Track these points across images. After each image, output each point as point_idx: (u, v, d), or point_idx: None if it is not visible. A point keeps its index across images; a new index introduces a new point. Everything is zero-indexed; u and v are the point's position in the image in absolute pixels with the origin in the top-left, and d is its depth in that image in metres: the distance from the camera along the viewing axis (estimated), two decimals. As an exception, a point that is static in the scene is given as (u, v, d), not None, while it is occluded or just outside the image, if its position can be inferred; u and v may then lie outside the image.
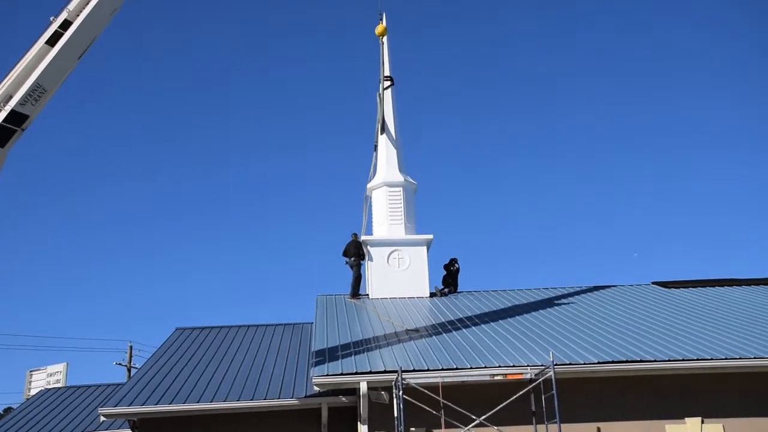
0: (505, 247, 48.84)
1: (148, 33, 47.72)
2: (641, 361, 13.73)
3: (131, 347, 37.67)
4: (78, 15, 13.20)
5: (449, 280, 20.95)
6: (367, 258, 20.40)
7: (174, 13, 48.31)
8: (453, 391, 13.52)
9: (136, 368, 34.92)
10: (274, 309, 47.72)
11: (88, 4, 13.33)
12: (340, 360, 14.24)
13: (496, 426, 13.35)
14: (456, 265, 20.84)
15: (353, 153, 48.14)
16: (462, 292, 20.93)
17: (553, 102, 49.53)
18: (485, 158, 49.05)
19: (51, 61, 12.79)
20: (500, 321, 17.26)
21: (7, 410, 38.41)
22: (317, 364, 14.13)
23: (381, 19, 22.75)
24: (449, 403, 13.27)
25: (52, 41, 12.90)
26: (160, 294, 50.17)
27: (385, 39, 22.66)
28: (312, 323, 20.31)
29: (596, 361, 13.84)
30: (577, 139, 48.90)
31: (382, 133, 21.96)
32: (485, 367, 13.51)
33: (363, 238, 20.58)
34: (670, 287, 20.85)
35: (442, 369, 13.51)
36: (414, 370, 13.44)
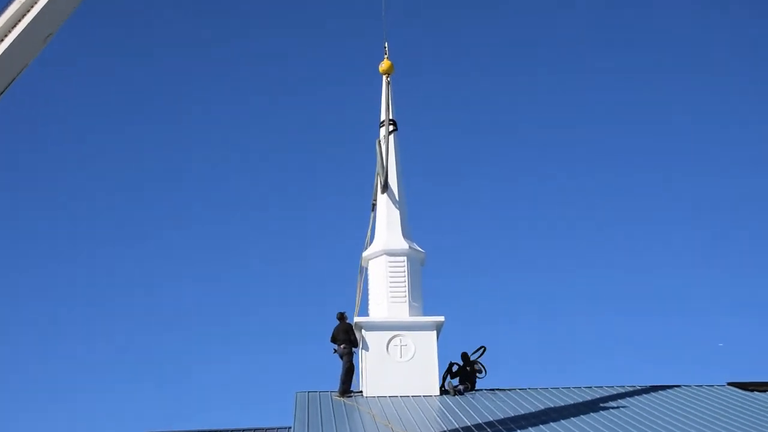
0: (539, 335, 46.84)
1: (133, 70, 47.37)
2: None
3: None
4: None
5: (467, 375, 19.94)
6: (361, 345, 19.61)
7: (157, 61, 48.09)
8: None
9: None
10: (240, 409, 45.16)
11: None
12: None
13: None
14: (479, 365, 20.09)
15: (344, 213, 46.67)
16: (481, 390, 19.96)
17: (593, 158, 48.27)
18: (513, 220, 47.48)
19: None
20: (530, 429, 16.38)
21: None
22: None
23: (385, 54, 22.30)
24: None
25: None
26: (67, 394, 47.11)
27: (388, 78, 22.18)
28: (289, 428, 19.27)
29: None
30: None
31: (383, 191, 21.17)
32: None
33: (356, 319, 19.87)
34: (751, 389, 20.12)
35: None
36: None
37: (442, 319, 19.69)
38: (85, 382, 45.60)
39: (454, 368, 19.93)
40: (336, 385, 19.11)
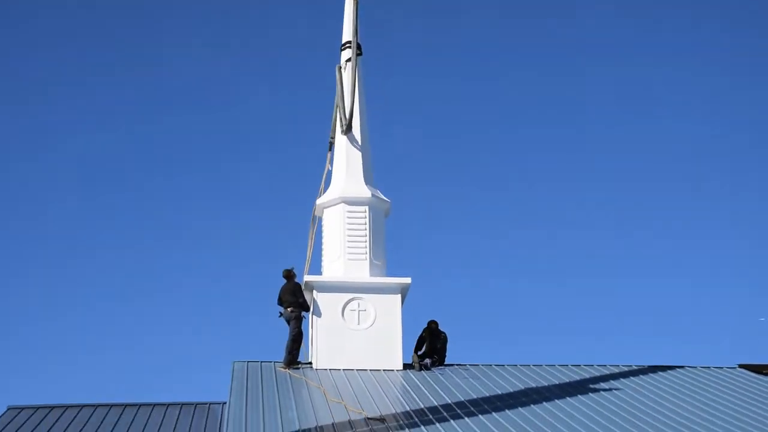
0: (519, 302, 47.67)
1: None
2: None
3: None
4: None
5: (433, 347, 20.38)
6: (311, 309, 19.94)
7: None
8: None
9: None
10: (167, 381, 45.72)
11: None
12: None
13: None
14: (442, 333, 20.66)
15: (295, 151, 46.82)
16: (451, 365, 20.53)
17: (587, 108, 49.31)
18: (495, 164, 48.23)
19: None
20: (507, 411, 16.81)
21: None
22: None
23: None
24: None
25: None
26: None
27: None
28: (224, 403, 19.81)
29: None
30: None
31: (344, 128, 21.49)
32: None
33: (306, 278, 20.23)
34: (765, 372, 20.82)
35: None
36: (378, 482, 12.86)
37: (408, 281, 20.11)
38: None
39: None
40: (280, 354, 19.52)
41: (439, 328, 20.57)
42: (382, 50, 42.95)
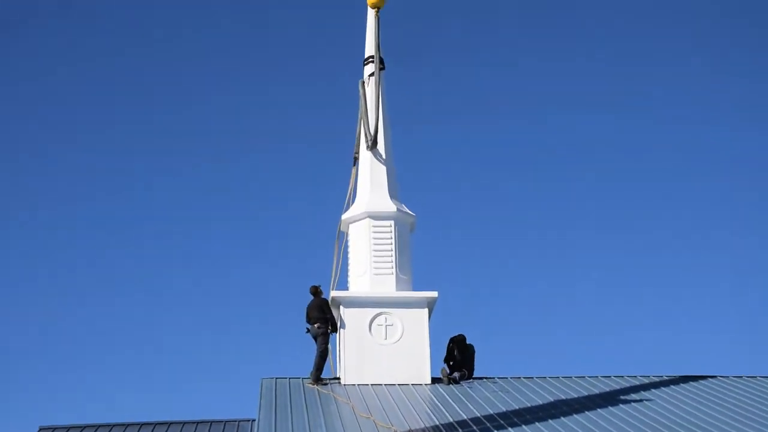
0: (548, 315, 47.56)
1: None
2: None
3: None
4: None
5: (461, 361, 20.37)
6: (339, 325, 19.91)
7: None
8: None
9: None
10: (196, 399, 46.01)
11: None
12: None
13: None
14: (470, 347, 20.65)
15: (321, 167, 47.00)
16: (480, 378, 20.47)
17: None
18: (520, 180, 48.25)
19: None
20: (537, 424, 16.79)
21: None
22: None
23: None
24: None
25: None
26: (14, 377, 48.46)
27: (378, 12, 22.33)
28: (253, 420, 19.83)
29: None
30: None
31: (368, 143, 21.55)
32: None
33: (333, 294, 20.26)
34: None
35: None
36: (408, 498, 12.76)
37: (435, 294, 20.09)
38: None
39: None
40: (308, 371, 19.50)
41: (466, 341, 20.57)
42: (406, 62, 43.14)
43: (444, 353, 20.46)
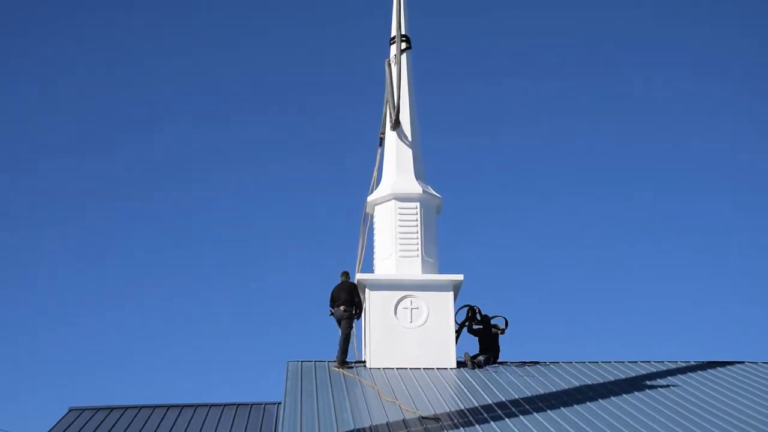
0: (575, 299, 47.50)
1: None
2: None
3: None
4: None
5: (487, 343, 20.45)
6: (364, 308, 20.06)
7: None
8: None
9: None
10: (222, 381, 46.48)
11: None
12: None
13: None
14: (497, 326, 20.70)
15: (346, 149, 47.11)
16: (506, 363, 20.56)
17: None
18: (546, 161, 48.10)
19: None
20: (563, 409, 16.84)
21: None
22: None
23: None
24: None
25: None
26: (44, 359, 49.01)
27: None
28: (279, 403, 20.03)
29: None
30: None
31: (395, 124, 21.60)
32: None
33: (358, 276, 20.36)
34: None
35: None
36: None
37: (460, 277, 20.14)
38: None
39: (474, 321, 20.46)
40: (334, 354, 19.67)
41: (491, 322, 20.64)
42: (435, 45, 43.15)
43: (468, 336, 20.54)
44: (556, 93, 48.22)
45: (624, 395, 17.84)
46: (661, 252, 46.71)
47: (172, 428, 19.31)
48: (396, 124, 21.54)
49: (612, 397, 17.65)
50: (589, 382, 18.94)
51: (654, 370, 20.25)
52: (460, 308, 20.52)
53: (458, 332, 20.21)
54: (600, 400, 17.40)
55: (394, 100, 21.54)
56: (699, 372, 20.10)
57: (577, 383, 18.85)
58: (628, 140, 47.31)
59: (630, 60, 47.66)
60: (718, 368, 20.43)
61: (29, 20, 46.74)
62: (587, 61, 48.15)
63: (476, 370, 19.59)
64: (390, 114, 21.65)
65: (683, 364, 20.73)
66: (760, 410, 17.09)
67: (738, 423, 16.17)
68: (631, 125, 47.47)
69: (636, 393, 18.07)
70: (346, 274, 20.17)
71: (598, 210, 47.70)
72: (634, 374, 19.83)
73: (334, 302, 19.90)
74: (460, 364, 19.75)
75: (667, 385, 18.75)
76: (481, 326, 20.61)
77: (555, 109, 47.98)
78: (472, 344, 20.55)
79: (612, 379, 19.34)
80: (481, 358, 20.03)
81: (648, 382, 19.06)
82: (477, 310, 20.58)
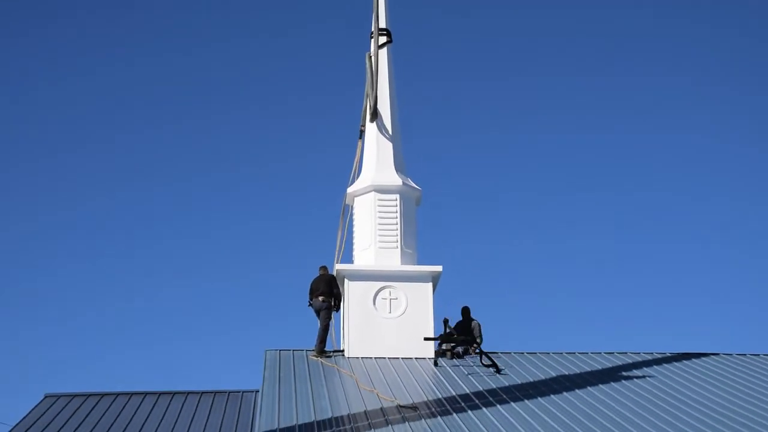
0: (552, 291, 47.80)
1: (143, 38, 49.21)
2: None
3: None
4: None
5: (465, 334, 20.36)
6: (343, 298, 20.13)
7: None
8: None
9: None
10: (200, 369, 46.46)
11: None
12: (296, 449, 13.93)
13: None
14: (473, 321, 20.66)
15: (326, 141, 47.21)
16: (485, 353, 20.13)
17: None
18: (525, 154, 48.40)
19: None
20: (540, 399, 17.01)
21: None
22: (261, 453, 13.72)
23: None
24: None
25: None
26: (20, 346, 48.89)
27: None
28: (256, 391, 20.12)
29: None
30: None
31: (372, 115, 21.66)
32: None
33: (338, 267, 20.42)
34: None
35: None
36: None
37: (439, 269, 20.22)
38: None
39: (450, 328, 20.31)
40: (312, 343, 19.71)
41: (471, 315, 20.66)
42: (416, 37, 43.25)
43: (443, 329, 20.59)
44: (539, 87, 48.61)
45: (601, 385, 18.00)
46: (640, 245, 47.11)
47: (148, 416, 19.30)
48: (374, 116, 21.60)
49: (589, 387, 17.81)
50: (566, 372, 19.08)
51: (630, 360, 20.39)
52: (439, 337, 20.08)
53: (442, 347, 20.01)
54: (577, 390, 17.56)
55: (373, 93, 21.58)
56: (674, 363, 20.24)
57: (554, 373, 18.98)
58: (609, 132, 47.78)
59: (620, 56, 48.23)
60: (693, 359, 20.59)
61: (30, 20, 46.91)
62: (574, 55, 48.58)
63: (454, 360, 19.65)
64: (369, 106, 21.69)
65: (659, 356, 20.89)
66: (733, 400, 17.29)
67: (711, 413, 16.39)
68: (611, 119, 47.93)
69: (613, 383, 18.23)
70: (324, 267, 20.28)
71: (577, 202, 48.02)
72: (611, 365, 19.97)
73: (313, 293, 19.98)
74: (438, 354, 19.76)
75: (644, 376, 18.90)
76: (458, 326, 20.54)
77: (537, 102, 48.40)
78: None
79: (589, 369, 19.48)
80: (459, 349, 20.05)
81: (625, 373, 19.19)
82: (446, 322, 20.19)
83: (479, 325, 20.47)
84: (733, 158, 47.15)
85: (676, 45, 48.34)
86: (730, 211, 46.80)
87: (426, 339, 19.63)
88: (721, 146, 47.47)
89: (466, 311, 20.74)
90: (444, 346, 19.97)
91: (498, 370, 18.81)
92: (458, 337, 19.80)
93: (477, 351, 19.68)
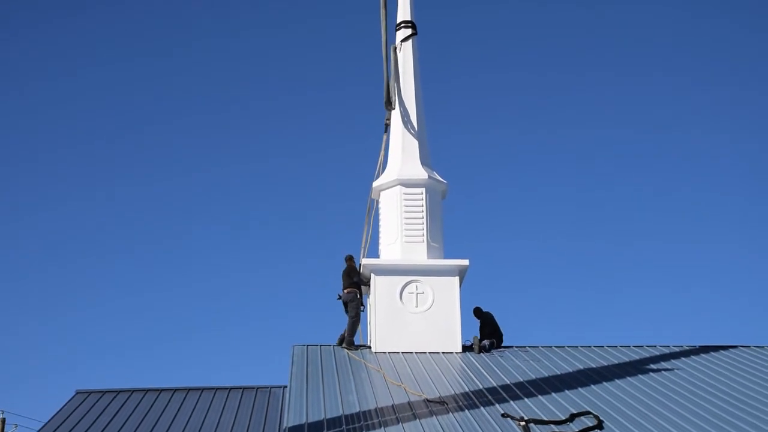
0: (578, 285, 47.85)
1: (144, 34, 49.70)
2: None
3: (3, 421, 36.55)
4: None
5: (490, 329, 20.75)
6: (370, 292, 20.22)
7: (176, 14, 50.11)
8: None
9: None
10: (228, 366, 46.95)
11: None
12: (325, 443, 13.97)
13: None
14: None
15: (351, 135, 47.44)
16: (510, 347, 20.78)
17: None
18: (552, 144, 48.33)
19: None
20: (567, 392, 17.07)
21: None
22: (290, 448, 13.56)
23: None
24: None
25: None
26: (52, 344, 49.50)
27: None
28: (284, 387, 20.28)
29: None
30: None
31: (387, 104, 21.85)
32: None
33: (364, 261, 20.52)
34: None
35: (481, 462, 13.27)
36: (437, 463, 13.16)
37: (466, 263, 20.33)
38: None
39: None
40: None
41: (482, 310, 20.89)
42: (445, 28, 43.33)
43: (473, 322, 20.75)
44: (563, 83, 48.60)
45: (629, 378, 18.07)
46: (663, 241, 47.12)
47: (177, 411, 19.57)
48: (388, 105, 21.65)
49: (617, 380, 17.88)
50: (593, 365, 19.14)
51: (656, 353, 20.39)
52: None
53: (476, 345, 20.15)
54: (603, 383, 17.65)
55: (398, 85, 21.66)
56: (697, 356, 20.25)
57: (581, 366, 19.07)
58: (633, 129, 47.72)
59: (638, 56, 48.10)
60: (712, 353, 20.55)
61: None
62: (596, 52, 48.54)
63: (481, 354, 19.78)
64: (393, 99, 21.74)
65: (677, 349, 20.86)
66: (757, 390, 17.32)
67: (736, 402, 16.44)
68: (636, 116, 47.87)
69: (638, 375, 18.30)
70: (349, 258, 20.39)
71: (604, 196, 48.04)
72: (637, 357, 20.02)
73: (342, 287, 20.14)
74: (466, 348, 19.94)
75: (668, 368, 18.92)
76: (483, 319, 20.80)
77: (562, 98, 48.39)
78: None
79: (615, 362, 19.52)
80: (485, 342, 20.20)
81: (654, 365, 19.22)
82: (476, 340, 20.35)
83: (491, 316, 20.73)
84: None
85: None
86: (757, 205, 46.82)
87: (464, 348, 19.83)
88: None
89: (478, 311, 20.92)
90: (473, 340, 20.07)
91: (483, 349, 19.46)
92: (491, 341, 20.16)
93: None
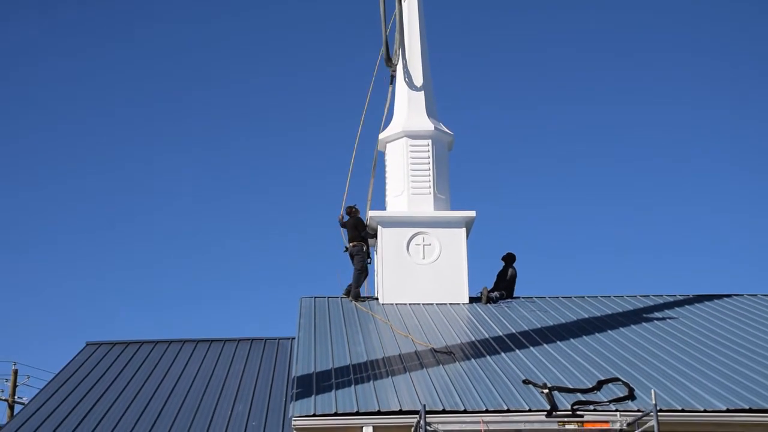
0: (585, 235, 48.26)
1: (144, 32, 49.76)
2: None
3: (15, 372, 37.25)
4: None
5: (501, 282, 21.02)
6: (377, 244, 20.37)
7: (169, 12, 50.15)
8: (501, 443, 13.43)
9: (24, 404, 34.73)
10: (236, 317, 47.70)
11: None
12: (333, 392, 14.23)
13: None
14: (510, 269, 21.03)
15: (355, 85, 47.62)
16: (518, 298, 21.02)
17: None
18: (558, 97, 48.31)
19: None
20: (573, 340, 17.37)
21: None
22: (299, 397, 14.08)
23: None
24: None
25: None
26: (58, 293, 50.24)
27: None
28: (292, 338, 20.57)
29: (724, 408, 13.79)
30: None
31: (396, 63, 21.81)
32: (550, 410, 13.43)
33: (370, 214, 20.67)
34: None
35: (486, 411, 13.49)
36: (444, 411, 13.43)
37: (473, 214, 20.45)
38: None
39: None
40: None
41: (513, 259, 21.06)
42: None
43: (480, 273, 21.08)
44: (571, 32, 48.58)
45: (633, 326, 18.36)
46: (669, 191, 47.43)
47: (187, 363, 19.88)
48: (389, 62, 21.68)
49: (621, 328, 18.17)
50: (599, 314, 19.40)
51: (660, 302, 20.65)
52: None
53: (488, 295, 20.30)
54: (609, 331, 17.92)
55: (387, 39, 21.60)
56: (701, 304, 20.47)
57: (586, 315, 19.33)
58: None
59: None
60: (715, 300, 20.73)
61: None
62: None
63: (489, 305, 19.98)
64: (397, 51, 21.68)
65: (680, 297, 21.07)
66: (751, 339, 17.50)
67: (740, 349, 16.73)
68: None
69: (643, 324, 18.56)
70: (350, 209, 20.55)
71: (612, 149, 48.28)
72: (641, 306, 20.26)
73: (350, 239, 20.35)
74: (473, 300, 20.13)
75: (672, 317, 19.16)
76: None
77: (569, 48, 48.42)
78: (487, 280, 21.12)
79: (620, 311, 19.79)
80: (495, 294, 20.40)
81: (648, 314, 19.45)
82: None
83: (515, 276, 20.92)
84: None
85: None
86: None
87: (473, 300, 20.01)
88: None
89: (510, 258, 21.07)
90: (483, 291, 20.25)
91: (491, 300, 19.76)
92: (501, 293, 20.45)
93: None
